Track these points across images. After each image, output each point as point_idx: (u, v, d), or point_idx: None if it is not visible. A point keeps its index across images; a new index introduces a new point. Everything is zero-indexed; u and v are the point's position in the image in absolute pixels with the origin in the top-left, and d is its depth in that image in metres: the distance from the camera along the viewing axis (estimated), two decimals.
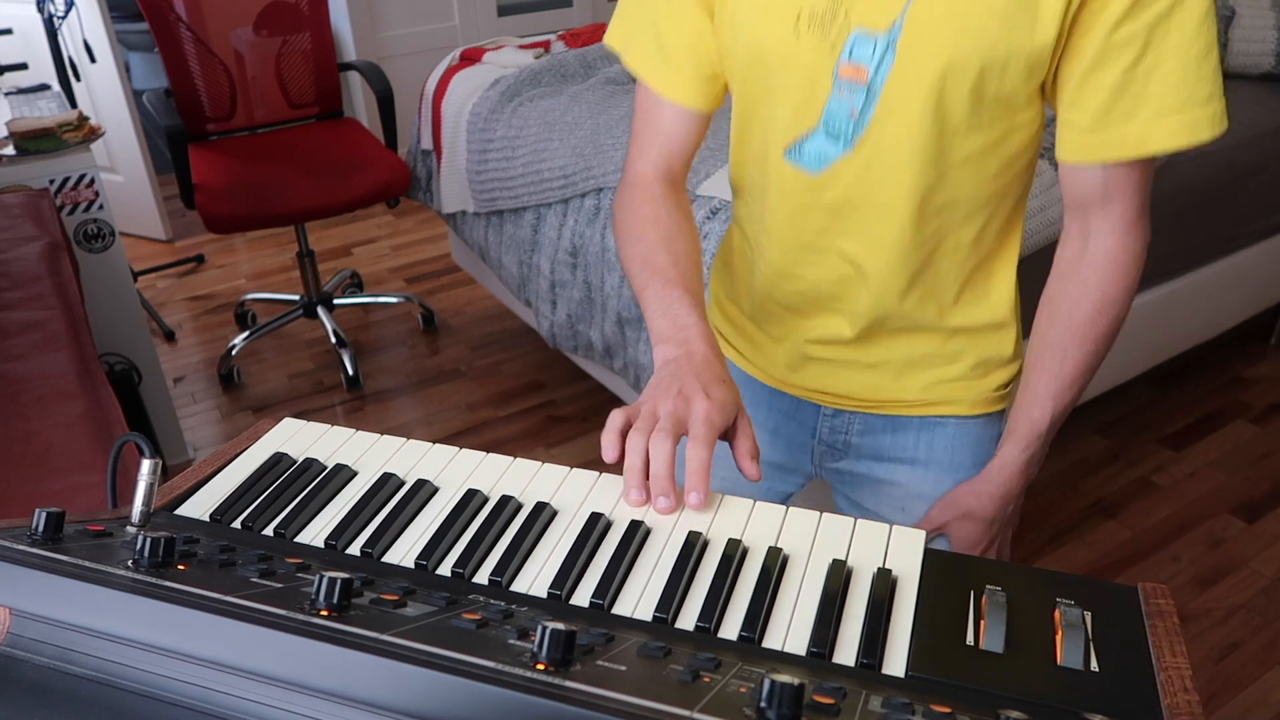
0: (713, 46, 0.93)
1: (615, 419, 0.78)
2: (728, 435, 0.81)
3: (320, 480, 0.75)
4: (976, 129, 0.85)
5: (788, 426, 1.15)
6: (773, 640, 0.59)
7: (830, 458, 1.14)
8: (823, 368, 1.07)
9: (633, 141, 1.02)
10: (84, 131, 2.14)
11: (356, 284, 3.28)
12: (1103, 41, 0.78)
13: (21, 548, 0.51)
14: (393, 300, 3.19)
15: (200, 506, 0.72)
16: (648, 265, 0.93)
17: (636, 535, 0.68)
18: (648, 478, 0.73)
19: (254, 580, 0.53)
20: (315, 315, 2.92)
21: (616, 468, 0.75)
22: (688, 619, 0.61)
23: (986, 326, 1.02)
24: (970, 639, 0.58)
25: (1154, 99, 0.79)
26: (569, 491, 0.74)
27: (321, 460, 0.78)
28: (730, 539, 0.68)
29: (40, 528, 0.55)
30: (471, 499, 0.72)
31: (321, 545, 0.68)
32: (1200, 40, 0.78)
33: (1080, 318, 0.90)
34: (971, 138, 0.86)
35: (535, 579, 0.65)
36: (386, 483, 0.74)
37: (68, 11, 2.74)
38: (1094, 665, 0.56)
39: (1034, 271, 2.06)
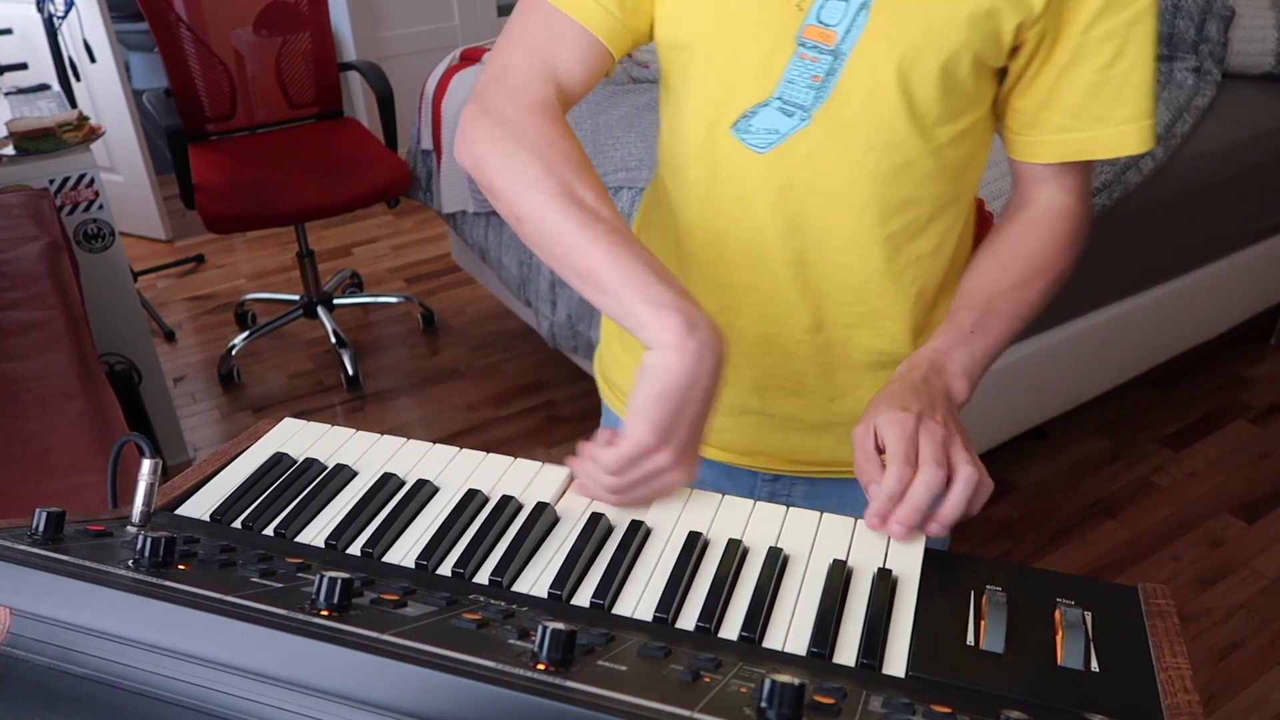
0: (647, 5, 0.82)
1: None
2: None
3: (320, 480, 0.75)
4: (941, 119, 0.80)
5: (719, 487, 0.99)
6: (773, 640, 0.59)
7: None
8: (755, 422, 0.95)
9: (521, 59, 0.82)
10: (84, 131, 2.14)
11: (356, 284, 3.27)
12: (1080, 36, 0.77)
13: (22, 548, 0.51)
14: (393, 300, 3.19)
15: (200, 506, 0.72)
16: (600, 206, 0.74)
17: (637, 535, 0.68)
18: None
19: (254, 580, 0.53)
20: (315, 315, 2.92)
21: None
22: (688, 619, 0.61)
23: None
24: (970, 639, 0.58)
25: (1129, 101, 0.79)
26: (569, 492, 0.74)
27: (322, 460, 0.78)
28: (730, 539, 0.68)
29: (40, 528, 0.55)
30: (472, 499, 0.72)
31: (322, 545, 0.68)
32: (1154, 51, 0.78)
33: (1027, 248, 0.85)
34: (935, 130, 0.80)
35: (536, 579, 0.65)
36: (387, 483, 0.74)
37: (68, 11, 2.73)
38: (1094, 665, 0.56)
39: None
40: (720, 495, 0.73)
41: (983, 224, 0.95)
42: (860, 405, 0.88)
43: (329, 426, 0.82)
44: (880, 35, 0.76)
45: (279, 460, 0.78)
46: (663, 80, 0.89)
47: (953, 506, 0.68)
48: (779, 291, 0.87)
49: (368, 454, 0.79)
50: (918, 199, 0.84)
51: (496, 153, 0.78)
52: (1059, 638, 0.57)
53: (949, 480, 0.69)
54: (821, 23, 0.76)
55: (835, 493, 0.97)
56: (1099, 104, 0.80)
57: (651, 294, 0.69)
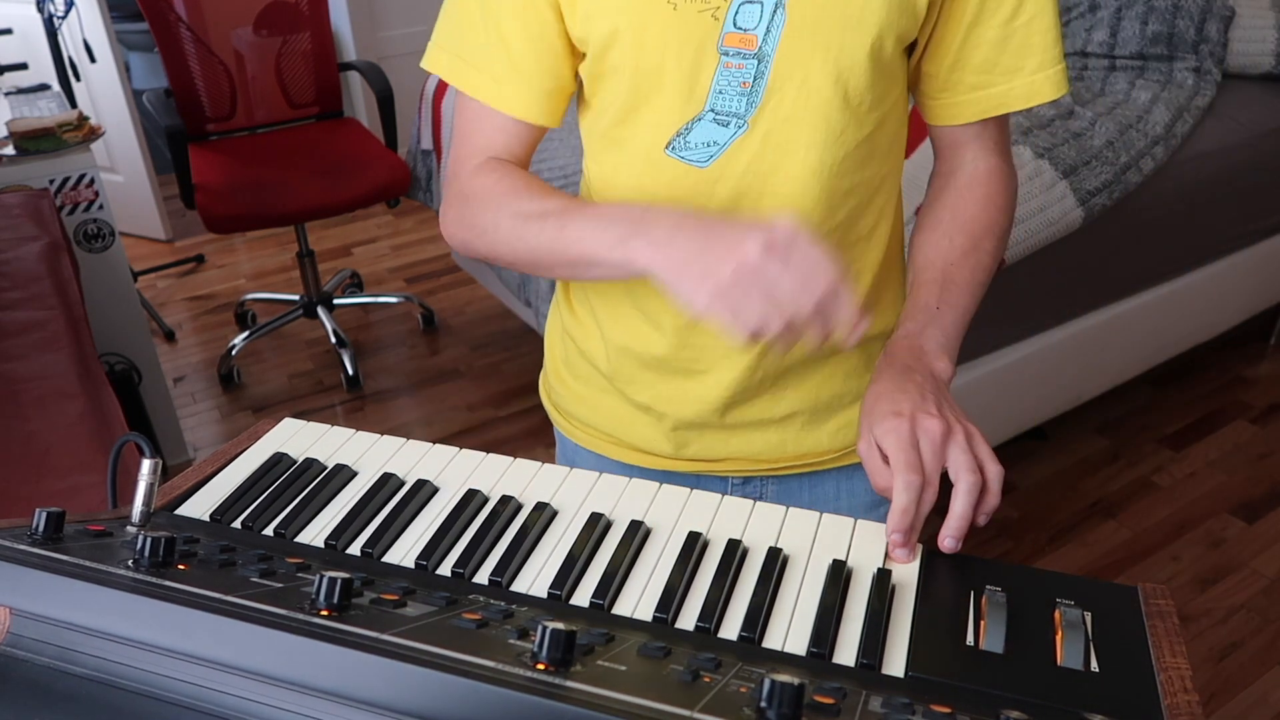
0: (563, 55, 0.82)
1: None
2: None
3: (320, 480, 0.75)
4: (872, 104, 0.80)
5: None
6: (773, 640, 0.59)
7: None
8: (719, 435, 0.94)
9: (461, 155, 0.87)
10: (84, 131, 2.14)
11: (356, 284, 3.27)
12: None
13: (22, 547, 0.51)
14: (393, 300, 3.19)
15: (200, 506, 0.72)
16: (547, 205, 0.79)
17: (636, 535, 0.68)
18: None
19: (254, 580, 0.53)
20: (315, 315, 2.92)
21: (612, 468, 0.75)
22: (688, 619, 0.61)
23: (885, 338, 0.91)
24: (970, 639, 0.58)
25: (1036, 50, 0.81)
26: (569, 491, 0.74)
27: (321, 460, 0.78)
28: (730, 539, 0.68)
29: (40, 527, 0.55)
30: (472, 499, 0.72)
31: (322, 545, 0.68)
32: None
33: (967, 215, 0.86)
34: (867, 116, 0.80)
35: (535, 579, 0.65)
36: (386, 483, 0.74)
37: (68, 11, 2.73)
38: (1094, 665, 0.56)
39: (1035, 272, 2.05)
40: (720, 495, 0.73)
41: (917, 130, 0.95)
42: (815, 392, 0.92)
43: (329, 426, 0.82)
44: (801, 32, 0.75)
45: (279, 460, 0.78)
46: (583, 110, 0.88)
47: (959, 520, 0.68)
48: None
49: (367, 454, 0.79)
50: (858, 185, 0.84)
51: (464, 227, 0.85)
52: (1059, 638, 0.57)
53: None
54: (740, 28, 0.76)
55: (805, 488, 0.98)
56: (1008, 57, 0.81)
57: (613, 238, 0.72)
